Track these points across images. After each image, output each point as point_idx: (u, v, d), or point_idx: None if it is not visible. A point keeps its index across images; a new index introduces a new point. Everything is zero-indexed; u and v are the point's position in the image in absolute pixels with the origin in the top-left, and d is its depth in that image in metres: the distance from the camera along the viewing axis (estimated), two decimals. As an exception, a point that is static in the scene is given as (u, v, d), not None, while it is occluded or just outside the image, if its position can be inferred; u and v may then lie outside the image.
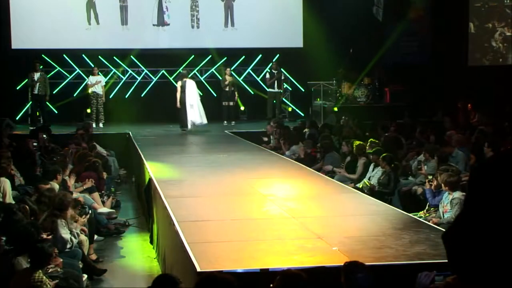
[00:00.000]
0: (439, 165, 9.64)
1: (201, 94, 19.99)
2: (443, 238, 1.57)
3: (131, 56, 20.05)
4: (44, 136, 14.27)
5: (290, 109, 20.80)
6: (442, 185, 8.33)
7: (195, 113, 17.22)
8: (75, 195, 9.73)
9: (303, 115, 20.36)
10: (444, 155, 10.35)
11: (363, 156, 11.52)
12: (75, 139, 14.15)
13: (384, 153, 10.66)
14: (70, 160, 12.06)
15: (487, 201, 1.46)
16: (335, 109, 19.12)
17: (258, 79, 20.75)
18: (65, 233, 7.64)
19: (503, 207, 1.43)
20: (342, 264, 5.10)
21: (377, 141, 12.10)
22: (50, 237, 7.35)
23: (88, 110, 18.76)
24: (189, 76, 17.98)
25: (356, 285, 4.74)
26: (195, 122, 17.28)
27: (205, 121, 17.31)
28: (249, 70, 20.86)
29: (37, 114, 18.61)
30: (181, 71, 18.79)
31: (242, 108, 20.59)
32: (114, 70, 20.18)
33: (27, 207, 8.09)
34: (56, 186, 9.50)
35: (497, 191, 1.45)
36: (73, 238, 7.75)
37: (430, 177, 9.20)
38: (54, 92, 19.29)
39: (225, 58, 20.32)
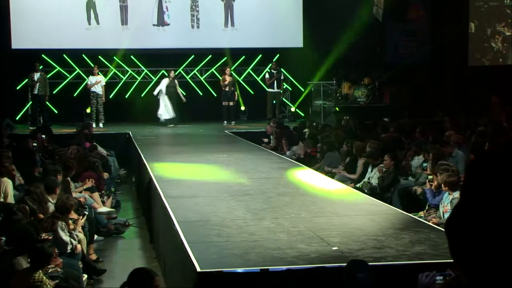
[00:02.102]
0: (433, 164, 9.62)
1: (201, 94, 20.08)
2: (445, 228, 1.58)
3: (131, 56, 20.06)
4: (43, 136, 14.25)
5: (293, 110, 20.79)
6: (442, 185, 8.32)
7: (161, 109, 18.74)
8: (75, 195, 9.73)
9: (303, 115, 20.36)
10: (439, 155, 10.31)
11: (363, 156, 11.50)
12: (76, 140, 14.13)
13: (381, 153, 10.65)
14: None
15: (486, 191, 1.46)
16: (337, 108, 19.12)
17: (258, 79, 20.75)
18: (64, 236, 7.65)
19: (503, 197, 1.43)
20: (342, 263, 5.09)
21: (363, 142, 12.02)
22: (50, 237, 7.35)
23: (88, 110, 18.78)
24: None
25: (356, 284, 4.73)
26: (161, 117, 18.77)
27: (172, 115, 18.67)
28: (249, 70, 20.86)
29: (37, 114, 18.62)
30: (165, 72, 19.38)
31: (242, 108, 20.59)
32: (114, 70, 20.18)
33: (27, 207, 8.08)
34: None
35: (497, 181, 1.45)
36: (72, 240, 7.75)
37: (430, 177, 9.19)
38: (54, 92, 19.31)
39: (225, 58, 20.33)
